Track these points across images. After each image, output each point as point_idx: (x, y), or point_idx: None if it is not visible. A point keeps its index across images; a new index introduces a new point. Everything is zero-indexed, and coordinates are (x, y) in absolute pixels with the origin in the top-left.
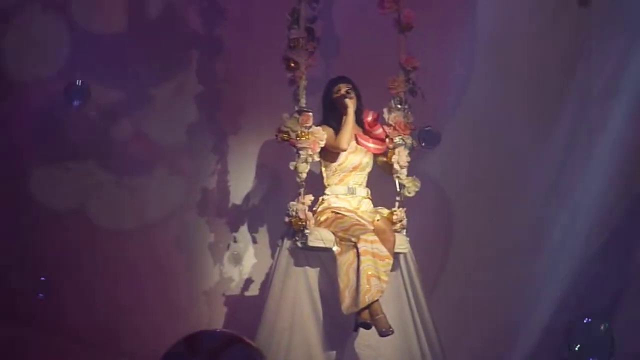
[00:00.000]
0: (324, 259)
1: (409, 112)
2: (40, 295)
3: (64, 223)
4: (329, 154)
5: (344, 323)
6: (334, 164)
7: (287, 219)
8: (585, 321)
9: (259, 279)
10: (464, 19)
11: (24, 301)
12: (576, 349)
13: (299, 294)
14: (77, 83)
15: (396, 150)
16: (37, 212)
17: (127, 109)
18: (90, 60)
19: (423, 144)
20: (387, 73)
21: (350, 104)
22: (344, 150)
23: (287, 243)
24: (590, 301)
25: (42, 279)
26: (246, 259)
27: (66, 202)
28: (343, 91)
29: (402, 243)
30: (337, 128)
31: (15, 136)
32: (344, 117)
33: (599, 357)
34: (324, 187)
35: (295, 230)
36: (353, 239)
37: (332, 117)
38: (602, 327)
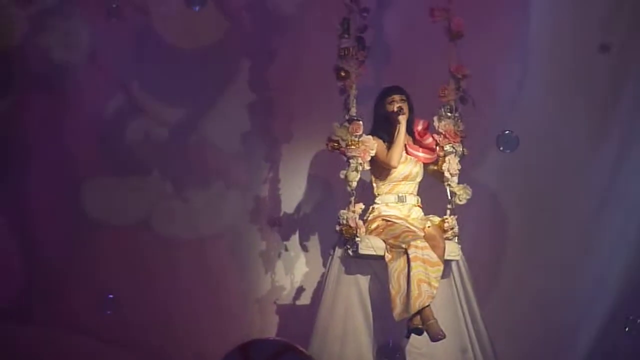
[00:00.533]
0: (375, 266)
1: (460, 120)
2: (108, 312)
3: (122, 235)
4: (379, 164)
5: (396, 330)
6: (384, 174)
7: (338, 228)
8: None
9: (310, 288)
10: (517, 26)
11: (89, 316)
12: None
13: (350, 302)
14: None
15: (447, 159)
16: (93, 224)
17: (186, 120)
18: (151, 73)
19: (501, 148)
20: (438, 81)
21: (403, 121)
22: (395, 167)
23: (338, 251)
24: None
25: (110, 296)
26: (298, 268)
27: (126, 214)
28: (396, 108)
29: (453, 250)
30: (388, 140)
31: (74, 147)
32: (396, 133)
33: None
34: (374, 196)
35: (347, 238)
36: (403, 246)
37: (383, 128)
38: None
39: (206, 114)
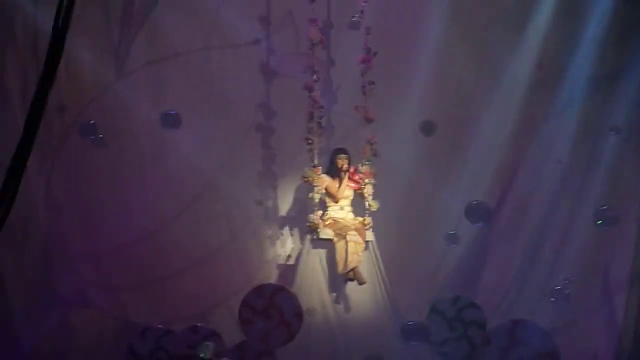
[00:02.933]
0: (328, 244)
1: (372, 166)
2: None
3: None
4: (330, 193)
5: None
6: (332, 196)
7: (307, 224)
8: None
9: (294, 256)
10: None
11: None
12: None
13: (315, 264)
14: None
15: (366, 187)
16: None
17: None
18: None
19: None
20: (362, 143)
21: (345, 176)
22: (339, 199)
23: (308, 237)
24: None
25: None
26: (288, 245)
27: None
28: (341, 164)
29: (369, 236)
30: (335, 176)
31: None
32: (341, 179)
33: None
34: (327, 207)
35: (313, 229)
36: (343, 233)
37: (333, 169)
38: None
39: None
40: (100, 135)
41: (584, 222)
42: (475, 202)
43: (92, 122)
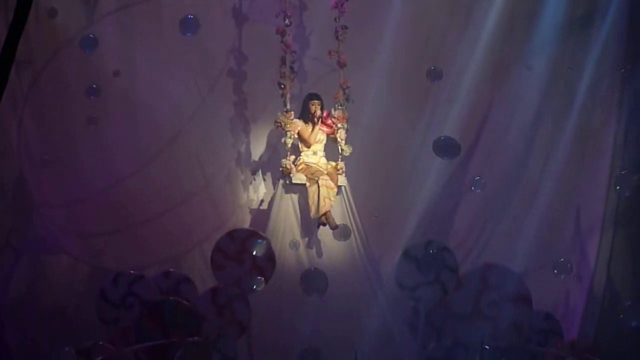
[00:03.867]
0: (301, 189)
1: (345, 110)
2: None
3: None
4: (302, 138)
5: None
6: (305, 141)
7: (281, 168)
8: None
9: (267, 200)
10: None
11: None
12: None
13: (288, 208)
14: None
15: (339, 131)
16: None
17: None
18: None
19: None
20: (335, 88)
21: (318, 121)
22: (312, 144)
23: (281, 181)
24: None
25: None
26: (261, 190)
27: None
28: (313, 109)
29: (342, 181)
30: (308, 121)
31: None
32: (314, 123)
33: None
34: (300, 152)
35: (285, 174)
36: (316, 178)
37: (306, 115)
38: None
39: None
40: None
41: (556, 165)
42: (442, 137)
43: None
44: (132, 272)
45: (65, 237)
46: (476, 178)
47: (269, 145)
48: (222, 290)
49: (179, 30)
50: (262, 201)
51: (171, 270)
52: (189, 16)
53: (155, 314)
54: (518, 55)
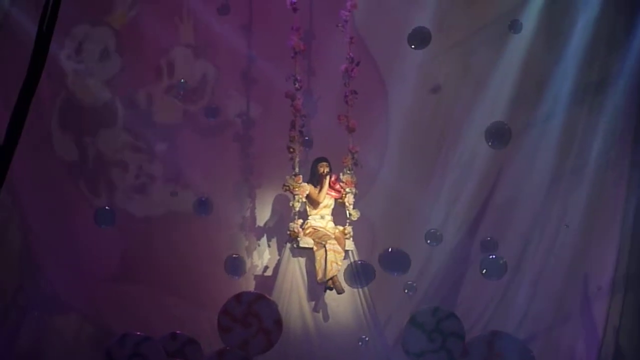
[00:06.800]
0: (308, 253)
1: (353, 175)
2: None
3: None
4: (311, 199)
5: (319, 288)
6: (314, 204)
7: (288, 232)
8: None
9: (272, 265)
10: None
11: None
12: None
13: (295, 272)
14: None
15: (347, 196)
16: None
17: None
18: None
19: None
20: (343, 153)
21: (326, 180)
22: (320, 203)
23: (288, 245)
24: None
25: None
26: (265, 256)
27: None
28: (322, 171)
29: (349, 245)
30: (317, 185)
31: None
32: (323, 183)
33: None
34: (307, 215)
35: (293, 238)
36: (323, 242)
37: (315, 179)
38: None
39: None
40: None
41: (565, 233)
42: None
43: None
44: (138, 333)
45: (71, 297)
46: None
47: (274, 211)
48: (228, 352)
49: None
50: (266, 267)
51: (177, 332)
52: None
53: None
54: (528, 123)
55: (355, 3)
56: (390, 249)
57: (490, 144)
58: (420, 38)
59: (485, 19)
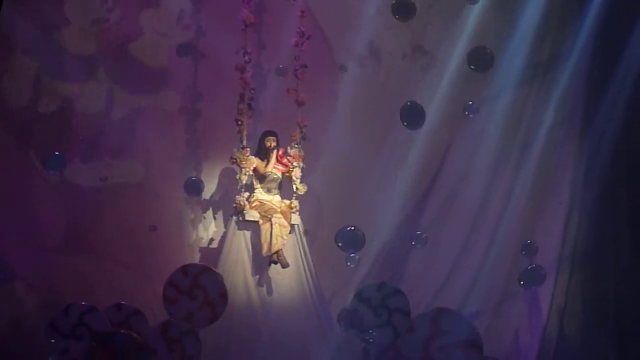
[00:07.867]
0: (254, 226)
1: (301, 149)
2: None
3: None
4: (258, 173)
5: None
6: (260, 178)
7: (234, 205)
8: None
9: (217, 238)
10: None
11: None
12: None
13: (240, 245)
14: None
15: (294, 170)
16: None
17: None
18: None
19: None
20: (292, 127)
21: (273, 154)
22: (267, 177)
23: (234, 218)
24: None
25: None
26: (211, 228)
27: None
28: (270, 145)
29: (295, 219)
30: (264, 158)
31: None
32: (270, 156)
33: None
34: (254, 189)
35: (239, 211)
36: (269, 216)
37: (262, 152)
38: None
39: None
40: None
41: (512, 210)
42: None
43: None
44: (83, 303)
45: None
46: (417, 233)
47: (220, 184)
48: (173, 324)
49: None
50: (212, 239)
51: (123, 302)
52: None
53: (105, 346)
54: (478, 100)
55: None
56: (349, 228)
57: (472, 67)
58: (405, 10)
59: None
